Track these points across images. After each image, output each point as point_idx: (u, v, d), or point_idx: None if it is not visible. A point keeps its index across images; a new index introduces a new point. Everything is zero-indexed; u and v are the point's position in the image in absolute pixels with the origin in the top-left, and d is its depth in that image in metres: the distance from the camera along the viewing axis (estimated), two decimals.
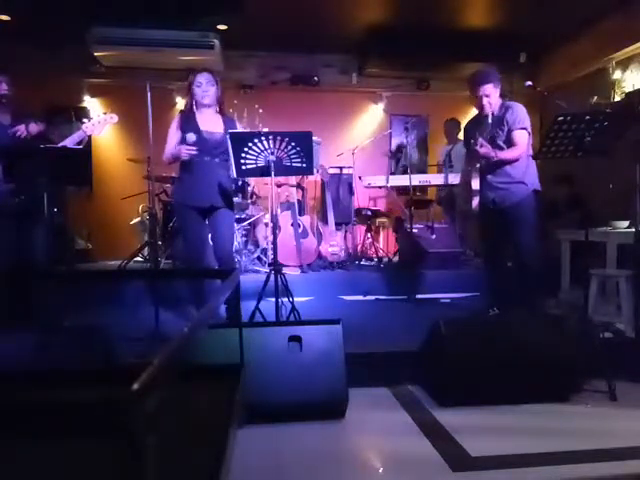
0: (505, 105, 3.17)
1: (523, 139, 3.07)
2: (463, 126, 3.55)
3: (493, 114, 3.14)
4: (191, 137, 2.95)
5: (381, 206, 6.53)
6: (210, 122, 3.07)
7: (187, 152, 2.92)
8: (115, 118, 3.16)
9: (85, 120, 3.16)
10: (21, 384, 1.54)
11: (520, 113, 3.09)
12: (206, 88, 3.03)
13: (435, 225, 5.22)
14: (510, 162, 3.11)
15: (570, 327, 2.60)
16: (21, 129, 3.02)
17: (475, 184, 3.21)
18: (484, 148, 3.06)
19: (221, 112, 3.16)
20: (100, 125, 3.11)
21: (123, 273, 4.30)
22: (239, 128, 3.20)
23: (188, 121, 3.05)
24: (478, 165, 3.19)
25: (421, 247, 4.92)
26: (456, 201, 5.38)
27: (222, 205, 3.06)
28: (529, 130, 3.10)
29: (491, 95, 3.12)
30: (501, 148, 3.14)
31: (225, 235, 3.12)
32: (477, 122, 3.26)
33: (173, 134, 3.08)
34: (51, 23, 4.88)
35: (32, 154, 2.99)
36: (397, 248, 5.65)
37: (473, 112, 7.22)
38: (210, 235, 3.21)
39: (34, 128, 3.07)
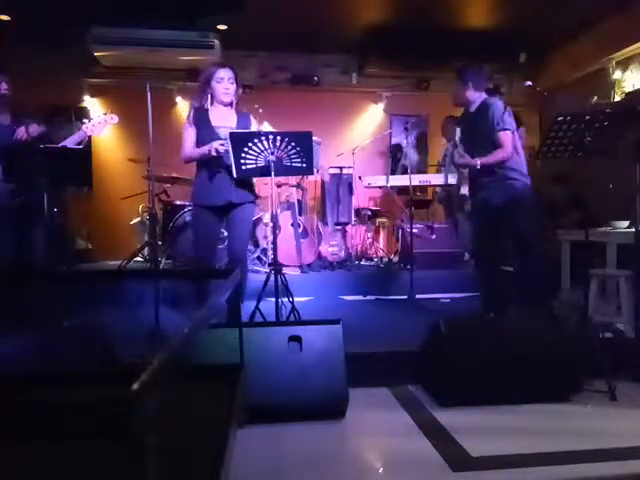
0: (485, 103, 3.10)
1: (507, 140, 2.99)
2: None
3: (470, 112, 3.12)
4: (225, 131, 2.83)
5: (381, 206, 6.53)
6: (223, 118, 2.97)
7: (222, 147, 2.79)
8: (115, 119, 3.15)
9: (85, 120, 3.16)
10: (21, 384, 1.54)
11: (498, 112, 2.99)
12: (227, 85, 2.90)
13: (435, 225, 5.23)
14: (495, 164, 3.04)
15: (570, 327, 2.61)
16: (21, 132, 3.00)
17: (464, 189, 3.20)
18: (463, 160, 3.06)
19: (236, 108, 3.05)
20: (100, 125, 3.10)
21: (123, 273, 4.30)
22: (253, 123, 3.10)
23: (201, 117, 2.94)
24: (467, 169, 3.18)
25: (423, 247, 4.90)
26: (452, 205, 5.41)
27: (239, 201, 2.96)
28: (512, 128, 3.01)
29: (459, 93, 3.13)
30: (484, 149, 3.06)
31: (239, 236, 3.03)
32: (460, 122, 3.24)
33: (189, 133, 2.97)
34: (51, 23, 4.88)
35: (32, 154, 2.99)
36: (397, 248, 5.65)
37: None
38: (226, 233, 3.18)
39: (34, 130, 3.05)
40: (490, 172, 3.08)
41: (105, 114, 3.17)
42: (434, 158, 6.44)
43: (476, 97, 3.14)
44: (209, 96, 2.96)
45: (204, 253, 3.02)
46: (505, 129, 2.99)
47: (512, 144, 3.01)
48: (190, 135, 2.97)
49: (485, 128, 3.04)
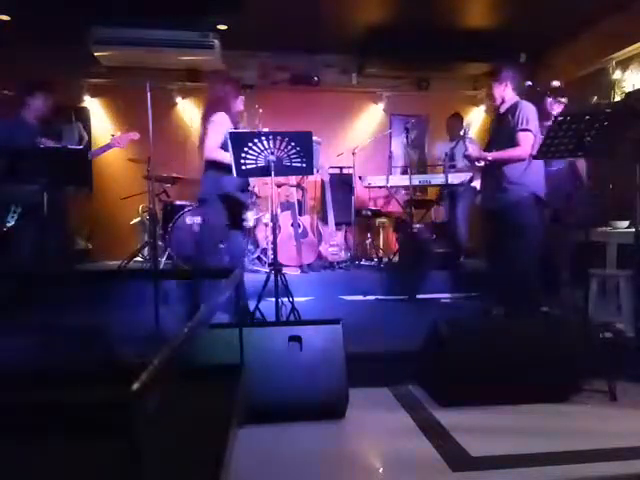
0: (514, 104, 3.15)
1: (525, 140, 3.03)
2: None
3: (499, 112, 3.20)
4: None
5: (381, 206, 6.53)
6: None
7: None
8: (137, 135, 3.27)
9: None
10: (21, 384, 1.54)
11: (525, 113, 3.05)
12: None
13: (435, 225, 5.22)
14: (508, 162, 3.08)
15: (570, 327, 2.60)
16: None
17: (476, 182, 3.26)
18: (473, 152, 3.16)
19: None
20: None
21: (123, 273, 4.30)
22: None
23: (227, 124, 3.09)
24: (482, 164, 3.24)
25: (423, 247, 4.91)
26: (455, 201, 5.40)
27: (244, 201, 3.19)
28: (534, 131, 3.05)
29: (494, 92, 3.20)
30: (502, 148, 3.12)
31: (240, 235, 3.19)
32: (492, 122, 3.40)
33: (220, 131, 3.02)
34: (51, 23, 4.88)
35: (32, 154, 2.99)
36: (397, 248, 5.65)
37: (474, 111, 7.19)
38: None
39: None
40: (500, 174, 3.11)
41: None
42: (434, 158, 6.42)
43: (510, 98, 3.20)
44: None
45: (212, 251, 3.09)
46: (526, 129, 3.03)
47: (530, 146, 3.03)
48: (220, 134, 3.02)
49: (509, 128, 3.09)
